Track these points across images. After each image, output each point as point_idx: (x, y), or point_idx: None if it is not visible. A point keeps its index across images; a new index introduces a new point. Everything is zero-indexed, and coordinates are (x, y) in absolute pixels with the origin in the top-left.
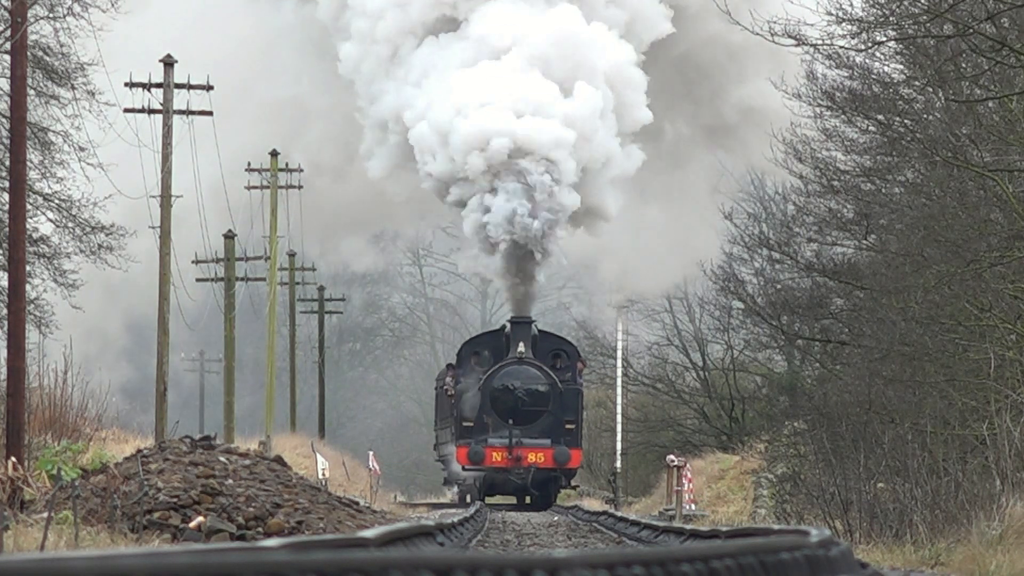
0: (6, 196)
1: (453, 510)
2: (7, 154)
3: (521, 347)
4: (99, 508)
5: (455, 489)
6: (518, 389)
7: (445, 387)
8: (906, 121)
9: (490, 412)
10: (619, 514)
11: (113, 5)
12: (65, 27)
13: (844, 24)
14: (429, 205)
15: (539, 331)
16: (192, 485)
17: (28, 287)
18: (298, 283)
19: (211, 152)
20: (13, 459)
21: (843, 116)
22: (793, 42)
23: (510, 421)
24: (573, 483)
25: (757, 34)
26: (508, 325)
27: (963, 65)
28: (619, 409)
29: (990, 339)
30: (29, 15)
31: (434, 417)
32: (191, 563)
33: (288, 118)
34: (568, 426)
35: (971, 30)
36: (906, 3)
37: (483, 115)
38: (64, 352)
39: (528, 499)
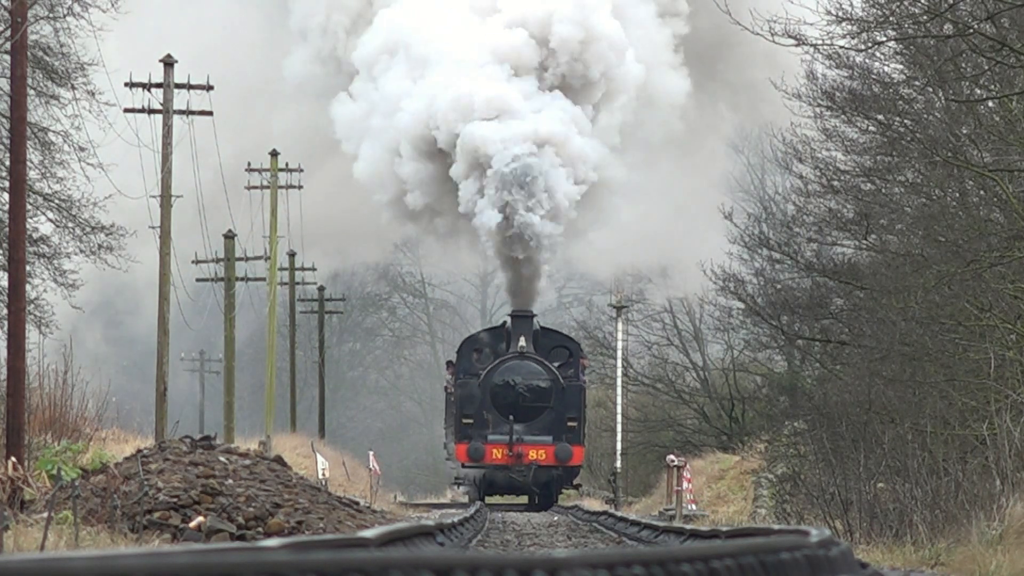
0: (6, 196)
1: (453, 510)
2: (7, 154)
3: (522, 342)
4: (99, 508)
5: (460, 488)
6: (519, 385)
7: (445, 384)
8: (906, 121)
9: (490, 408)
10: (619, 514)
11: (113, 5)
12: (65, 27)
13: (844, 24)
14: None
15: (541, 327)
16: (192, 485)
17: (28, 287)
18: (298, 283)
19: (211, 152)
20: (13, 459)
21: (843, 116)
22: (793, 42)
23: (511, 417)
24: (576, 482)
25: (757, 34)
26: (509, 320)
27: (963, 65)
28: (619, 409)
29: (990, 339)
30: (29, 15)
31: (444, 416)
32: (191, 563)
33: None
34: (570, 423)
35: (971, 30)
36: (906, 3)
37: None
38: (64, 352)
39: (537, 499)
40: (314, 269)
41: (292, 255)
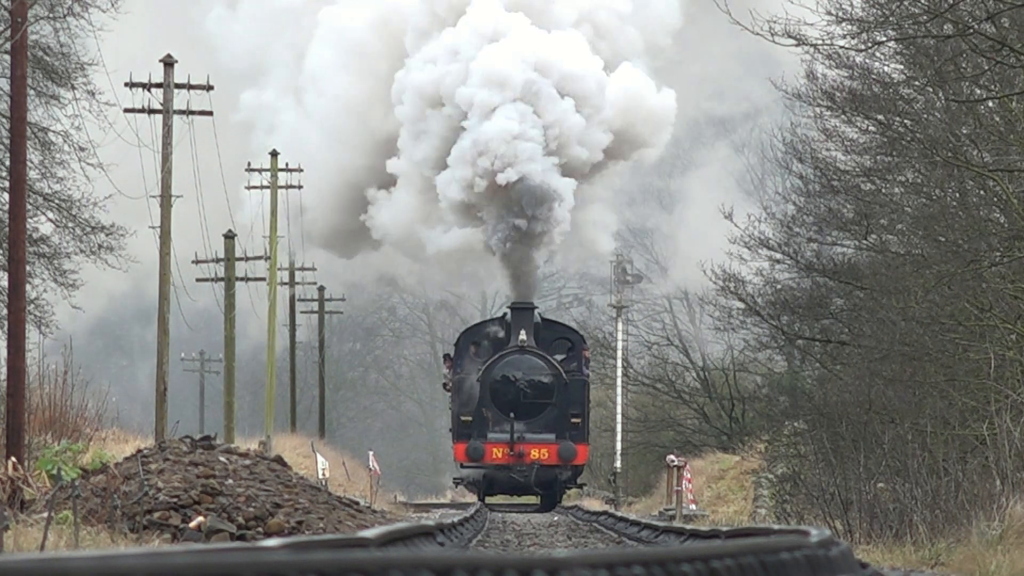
0: (6, 196)
1: (453, 510)
2: (7, 154)
3: (523, 335)
4: (99, 508)
5: (458, 488)
6: (520, 380)
7: (444, 381)
8: (906, 121)
9: (490, 405)
10: (619, 514)
11: (113, 5)
12: (65, 27)
13: (844, 24)
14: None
15: (542, 318)
16: (192, 485)
17: (28, 287)
18: (298, 283)
19: (211, 152)
20: (13, 459)
21: (843, 116)
22: (793, 42)
23: (511, 415)
24: (580, 481)
25: (757, 34)
26: (508, 312)
27: (963, 65)
28: (619, 409)
29: (990, 339)
30: (29, 15)
31: None
32: (191, 563)
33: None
34: (574, 420)
35: (971, 30)
36: (906, 3)
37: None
38: (64, 352)
39: (539, 500)
40: (314, 269)
41: (292, 263)
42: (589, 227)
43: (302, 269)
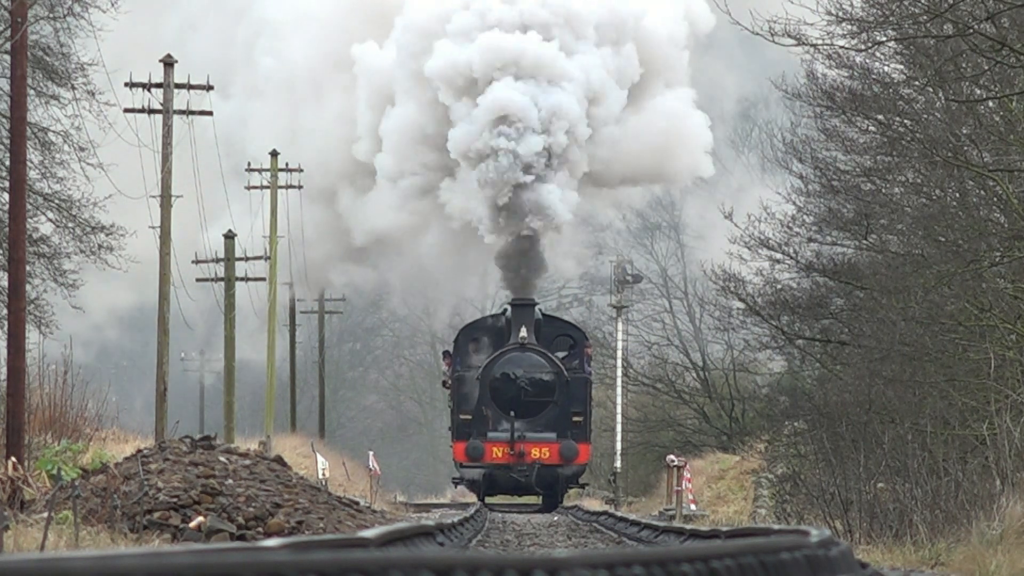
0: (6, 196)
1: (453, 510)
2: (7, 154)
3: (523, 332)
4: (99, 508)
5: (458, 488)
6: (520, 378)
7: (444, 378)
8: (906, 121)
9: (490, 403)
10: (619, 514)
11: (113, 5)
12: (65, 27)
13: (844, 24)
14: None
15: (543, 315)
16: (192, 485)
17: (28, 287)
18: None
19: (211, 152)
20: (13, 459)
21: (843, 116)
22: (793, 42)
23: (512, 413)
24: (581, 480)
25: (757, 34)
26: (508, 309)
27: (963, 65)
28: (619, 409)
29: (990, 339)
30: (29, 15)
31: None
32: (191, 563)
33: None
34: (575, 418)
35: (971, 30)
36: (906, 3)
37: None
38: (64, 352)
39: (542, 499)
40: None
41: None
42: (552, 247)
43: (305, 293)
